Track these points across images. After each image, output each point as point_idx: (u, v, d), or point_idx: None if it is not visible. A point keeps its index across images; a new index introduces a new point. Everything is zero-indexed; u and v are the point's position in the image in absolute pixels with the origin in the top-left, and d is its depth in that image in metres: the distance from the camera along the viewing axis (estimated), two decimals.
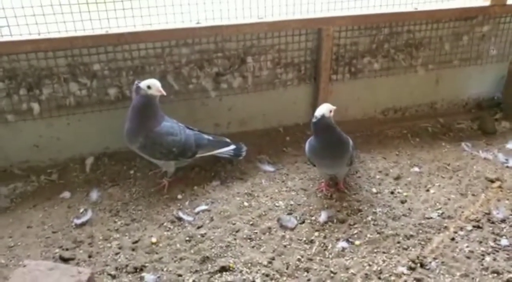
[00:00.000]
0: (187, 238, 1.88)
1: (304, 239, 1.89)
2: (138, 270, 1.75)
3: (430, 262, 1.79)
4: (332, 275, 1.74)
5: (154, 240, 1.87)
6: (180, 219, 1.98)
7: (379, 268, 1.77)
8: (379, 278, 1.73)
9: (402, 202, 2.11)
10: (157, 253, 1.82)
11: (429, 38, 2.62)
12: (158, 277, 1.72)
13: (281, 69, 2.46)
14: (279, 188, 2.17)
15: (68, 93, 2.17)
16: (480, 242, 1.89)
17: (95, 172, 2.26)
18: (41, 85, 2.12)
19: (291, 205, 2.07)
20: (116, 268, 1.76)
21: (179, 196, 2.11)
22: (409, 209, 2.06)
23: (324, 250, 1.85)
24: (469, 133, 2.69)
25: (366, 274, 1.74)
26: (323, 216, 1.99)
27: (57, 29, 1.99)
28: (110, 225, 1.95)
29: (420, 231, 1.94)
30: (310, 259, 1.81)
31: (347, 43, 2.49)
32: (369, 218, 1.99)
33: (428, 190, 2.19)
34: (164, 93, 1.99)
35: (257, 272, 1.74)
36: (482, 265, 1.79)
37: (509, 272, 1.75)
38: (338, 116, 2.55)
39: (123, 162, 2.31)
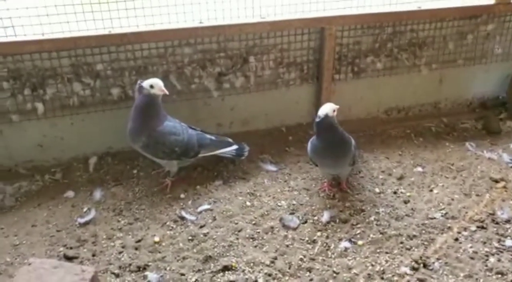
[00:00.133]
0: (190, 237, 1.89)
1: (307, 239, 1.89)
2: (141, 269, 1.76)
3: (434, 263, 1.78)
4: (334, 275, 1.74)
5: (157, 239, 1.88)
6: (182, 218, 1.99)
7: (382, 268, 1.76)
8: (382, 278, 1.73)
9: (405, 202, 2.10)
10: (160, 252, 1.83)
11: (432, 37, 2.60)
12: (161, 276, 1.72)
13: (283, 69, 2.45)
14: (282, 188, 2.17)
15: (71, 93, 2.18)
16: (484, 243, 1.88)
17: (99, 171, 2.27)
18: (45, 85, 2.13)
19: (294, 204, 2.07)
20: (120, 267, 1.77)
21: (182, 196, 2.12)
22: (412, 209, 2.05)
23: (327, 250, 1.85)
24: (473, 133, 2.68)
25: (368, 274, 1.74)
26: (325, 216, 1.98)
27: (60, 30, 2.00)
28: (114, 224, 1.96)
29: (424, 231, 1.93)
30: (313, 259, 1.81)
31: (350, 42, 2.48)
32: (372, 218, 1.99)
33: (431, 190, 2.18)
34: (167, 92, 2.00)
35: (259, 272, 1.74)
36: (486, 266, 1.78)
37: None
38: (341, 116, 2.54)
39: (126, 162, 2.32)
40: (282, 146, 2.47)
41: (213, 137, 2.21)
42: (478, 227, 1.96)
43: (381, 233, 1.92)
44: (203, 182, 2.20)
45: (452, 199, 2.12)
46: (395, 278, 1.73)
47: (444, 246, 1.86)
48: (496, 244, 1.87)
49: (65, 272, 1.48)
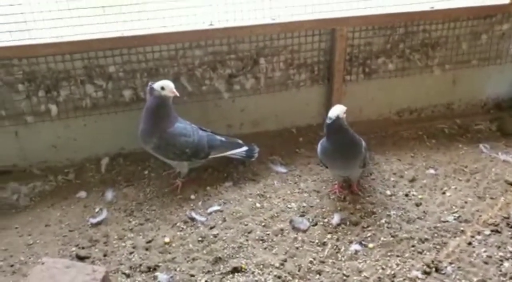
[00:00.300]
0: (200, 238, 1.90)
1: (317, 241, 1.88)
2: (151, 269, 1.77)
3: (446, 267, 1.76)
4: (344, 278, 1.73)
5: (167, 240, 1.89)
6: (193, 219, 2.00)
7: (392, 272, 1.74)
8: None
9: (417, 205, 2.07)
10: (170, 253, 1.85)
11: (446, 37, 2.56)
12: (171, 277, 1.74)
13: (294, 70, 2.45)
14: (292, 190, 2.17)
15: (84, 95, 2.22)
16: (499, 247, 1.84)
17: (111, 172, 2.30)
18: (58, 87, 2.17)
19: (304, 206, 2.06)
20: (130, 267, 1.79)
21: (192, 197, 2.13)
22: (424, 212, 2.02)
23: (337, 252, 1.84)
24: (487, 134, 2.62)
25: (379, 277, 1.72)
26: (336, 218, 1.97)
27: (74, 33, 2.04)
28: (125, 225, 1.99)
29: (436, 235, 1.90)
30: (323, 262, 1.80)
31: (361, 43, 2.46)
32: (383, 221, 1.97)
33: (444, 193, 2.15)
34: (178, 94, 2.02)
35: (269, 274, 1.74)
36: (500, 270, 1.74)
37: None
38: (352, 117, 2.52)
39: (137, 163, 2.34)
40: (292, 147, 2.47)
41: (223, 139, 2.22)
42: (492, 231, 1.92)
43: (392, 236, 1.89)
44: (213, 183, 2.21)
45: (466, 202, 2.08)
46: None
47: (457, 250, 1.83)
48: (511, 249, 1.83)
49: (77, 271, 1.51)
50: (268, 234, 1.92)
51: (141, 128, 2.07)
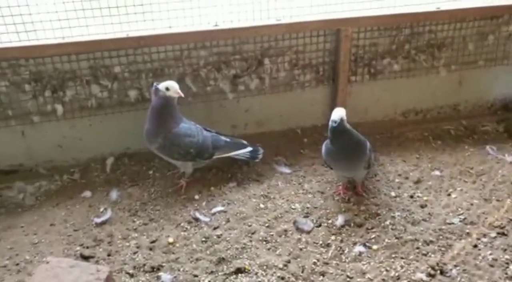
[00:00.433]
0: (204, 239, 1.90)
1: (321, 242, 1.88)
2: (155, 269, 1.78)
3: (451, 269, 1.74)
4: (348, 279, 1.72)
5: (171, 240, 1.90)
6: (196, 219, 2.00)
7: (397, 274, 1.73)
8: None
9: (422, 207, 2.06)
10: (173, 253, 1.85)
11: (452, 38, 2.54)
12: (175, 277, 1.74)
13: (298, 71, 2.44)
14: (296, 190, 2.16)
15: (90, 95, 2.23)
16: (505, 250, 1.82)
17: (115, 172, 2.31)
18: (64, 87, 2.19)
19: (308, 207, 2.05)
20: (134, 267, 1.79)
21: (196, 197, 2.14)
22: (429, 213, 2.01)
23: (341, 254, 1.83)
24: (494, 136, 2.60)
25: (383, 279, 1.71)
26: (340, 220, 1.96)
27: (80, 33, 2.05)
28: (129, 225, 2.00)
29: (441, 237, 1.89)
30: (326, 263, 1.79)
31: (366, 44, 2.45)
32: (388, 222, 1.96)
33: (449, 195, 2.13)
34: (182, 95, 2.02)
35: (272, 275, 1.74)
36: (506, 273, 1.72)
37: None
38: (357, 118, 2.51)
39: (142, 162, 2.35)
40: (297, 148, 2.46)
41: (227, 139, 2.22)
42: (498, 233, 1.90)
43: (396, 238, 1.88)
44: (217, 183, 2.21)
45: (471, 204, 2.06)
46: None
47: (462, 253, 1.81)
48: None
49: (81, 271, 1.52)
50: (272, 235, 1.92)
51: (146, 128, 2.08)
